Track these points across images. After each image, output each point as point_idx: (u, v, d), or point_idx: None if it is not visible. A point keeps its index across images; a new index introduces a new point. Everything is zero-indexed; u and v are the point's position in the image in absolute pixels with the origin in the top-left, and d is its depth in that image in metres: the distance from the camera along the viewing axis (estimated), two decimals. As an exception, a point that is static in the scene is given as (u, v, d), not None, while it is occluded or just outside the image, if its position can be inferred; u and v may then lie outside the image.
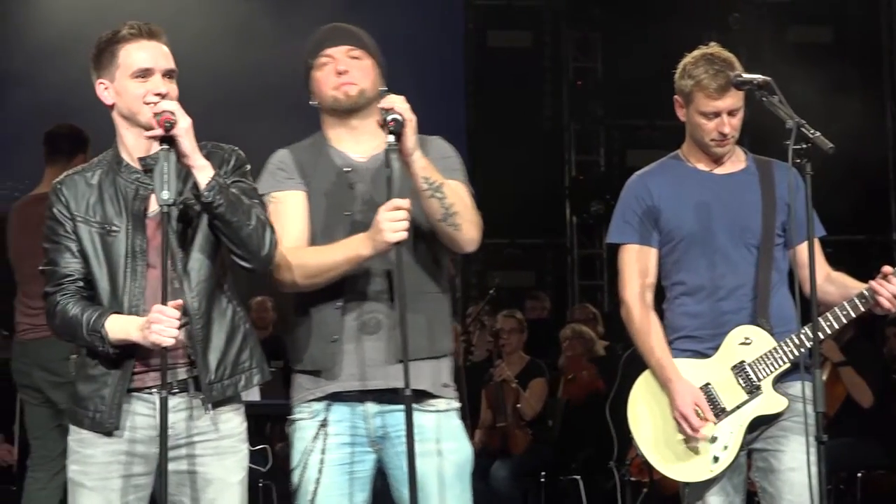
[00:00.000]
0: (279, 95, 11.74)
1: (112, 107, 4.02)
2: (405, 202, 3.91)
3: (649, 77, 12.39)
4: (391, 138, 3.93)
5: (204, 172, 3.83)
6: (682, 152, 4.69)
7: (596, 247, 13.83)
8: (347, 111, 4.20)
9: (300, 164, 4.24)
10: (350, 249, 4.02)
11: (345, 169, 4.20)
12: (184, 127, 3.80)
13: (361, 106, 4.19)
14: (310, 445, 4.13)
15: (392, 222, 3.89)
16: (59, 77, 11.31)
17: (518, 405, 9.27)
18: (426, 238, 4.17)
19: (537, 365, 9.58)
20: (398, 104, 3.98)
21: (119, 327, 3.86)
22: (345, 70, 4.15)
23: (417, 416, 4.06)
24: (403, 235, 3.90)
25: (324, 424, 4.13)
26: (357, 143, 4.24)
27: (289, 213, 4.19)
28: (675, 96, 4.61)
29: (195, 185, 3.85)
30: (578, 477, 9.15)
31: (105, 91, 4.01)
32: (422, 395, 4.11)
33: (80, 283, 3.98)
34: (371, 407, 4.13)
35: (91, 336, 3.88)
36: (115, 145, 4.06)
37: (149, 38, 3.99)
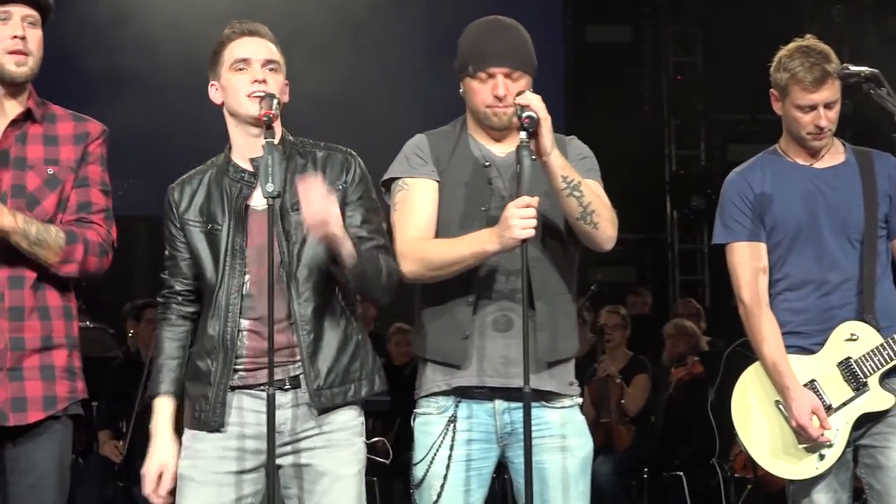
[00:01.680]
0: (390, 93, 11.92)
1: (222, 105, 4.10)
2: (534, 199, 3.91)
3: (750, 71, 12.33)
4: (523, 135, 3.94)
5: (345, 251, 3.89)
6: (779, 147, 4.65)
7: (697, 242, 13.75)
8: (493, 127, 4.19)
9: (436, 152, 4.23)
10: (476, 244, 4.02)
11: (484, 163, 4.19)
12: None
13: (510, 125, 4.16)
14: (437, 441, 4.15)
15: (521, 219, 3.89)
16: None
17: (622, 401, 9.25)
18: (561, 238, 4.18)
19: (640, 361, 9.55)
20: (534, 102, 3.99)
21: (163, 413, 4.08)
22: (504, 95, 4.11)
23: (544, 413, 4.13)
24: (531, 233, 3.90)
25: (452, 420, 4.15)
26: (497, 143, 4.23)
27: (418, 201, 4.19)
28: (771, 90, 4.58)
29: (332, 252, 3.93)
30: (681, 473, 9.11)
31: (215, 91, 4.11)
32: (549, 393, 4.14)
33: (182, 300, 4.14)
34: (500, 404, 4.14)
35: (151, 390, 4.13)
36: (227, 145, 4.15)
37: (250, 35, 4.09)
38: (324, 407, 4.00)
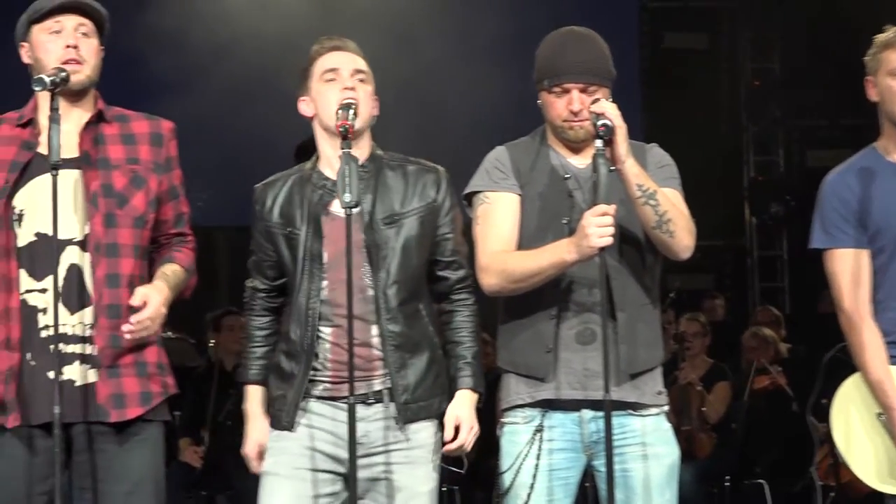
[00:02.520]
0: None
1: (313, 119, 4.15)
2: (611, 208, 3.91)
3: (829, 76, 12.27)
4: (599, 143, 3.94)
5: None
6: (878, 146, 4.50)
7: (776, 248, 13.64)
8: (571, 140, 4.19)
9: (517, 165, 4.23)
10: (555, 255, 4.02)
11: (564, 176, 4.19)
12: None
13: (588, 138, 4.14)
14: (524, 450, 4.15)
15: (598, 227, 3.89)
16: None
17: (702, 409, 9.20)
18: (641, 247, 4.17)
19: (721, 368, 9.49)
20: (609, 111, 3.99)
21: (254, 398, 4.26)
22: (579, 109, 4.11)
23: (630, 421, 4.13)
24: (609, 241, 3.90)
25: (538, 430, 4.15)
26: (575, 155, 4.22)
27: (499, 215, 4.19)
28: (867, 77, 4.45)
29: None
30: (763, 481, 9.05)
31: (305, 105, 4.17)
32: (635, 403, 4.14)
33: (266, 296, 4.25)
34: (586, 413, 4.13)
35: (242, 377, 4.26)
36: (315, 155, 4.20)
37: (337, 50, 4.16)
38: (409, 419, 4.05)
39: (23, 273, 3.97)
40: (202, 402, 8.46)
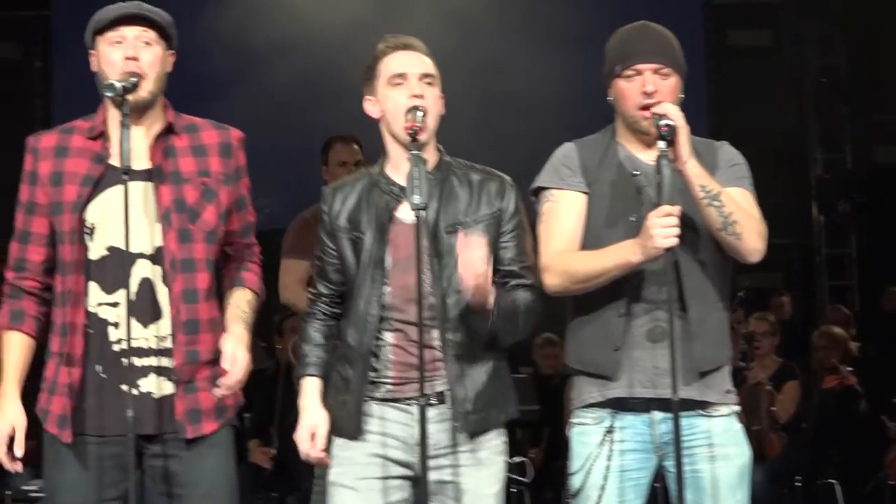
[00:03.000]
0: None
1: (379, 120, 4.13)
2: (676, 208, 3.89)
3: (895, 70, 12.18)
4: (662, 144, 3.92)
5: (488, 303, 3.92)
6: None
7: (845, 246, 13.54)
8: (644, 132, 4.15)
9: (585, 162, 4.20)
10: (620, 255, 4.00)
11: (633, 172, 4.16)
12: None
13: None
14: (594, 451, 4.12)
15: (663, 228, 3.87)
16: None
17: (772, 408, 9.15)
18: (712, 245, 4.12)
19: (790, 367, 9.44)
20: (672, 111, 3.98)
21: (310, 389, 4.16)
22: (652, 91, 4.08)
23: (700, 422, 4.10)
24: (674, 241, 3.88)
25: (609, 431, 4.12)
26: (647, 150, 4.17)
27: (564, 213, 4.18)
28: None
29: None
30: (834, 481, 8.99)
31: (371, 106, 4.13)
32: (705, 402, 4.12)
33: (328, 301, 4.20)
34: (656, 414, 4.11)
35: (299, 372, 4.19)
36: (382, 156, 4.18)
37: (404, 49, 4.10)
38: (472, 431, 4.03)
39: (94, 286, 3.98)
40: (271, 405, 8.51)
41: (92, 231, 3.98)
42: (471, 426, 4.01)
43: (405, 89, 4.04)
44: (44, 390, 4.05)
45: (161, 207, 3.98)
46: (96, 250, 3.98)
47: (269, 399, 8.55)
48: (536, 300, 4.10)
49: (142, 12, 4.03)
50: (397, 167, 4.10)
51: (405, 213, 4.05)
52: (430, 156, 4.08)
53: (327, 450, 4.11)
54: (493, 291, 3.89)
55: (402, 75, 4.06)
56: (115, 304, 3.95)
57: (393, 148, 4.12)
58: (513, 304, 4.02)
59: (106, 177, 3.98)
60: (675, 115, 3.97)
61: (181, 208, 3.99)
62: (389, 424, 4.05)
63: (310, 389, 4.14)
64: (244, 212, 4.16)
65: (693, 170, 3.99)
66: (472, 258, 3.81)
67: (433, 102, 4.05)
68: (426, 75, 4.07)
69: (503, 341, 4.09)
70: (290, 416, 8.25)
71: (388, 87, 4.07)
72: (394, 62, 4.09)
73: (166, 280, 3.98)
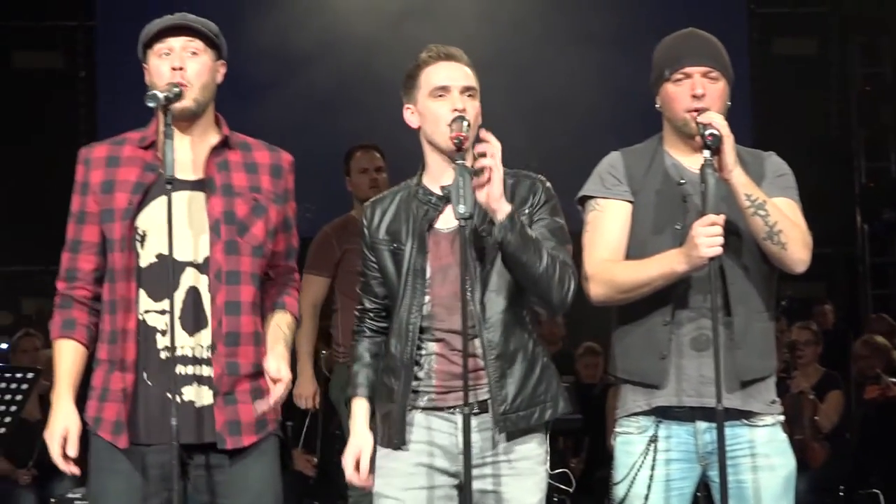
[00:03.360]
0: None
1: (419, 130, 4.14)
2: (720, 218, 3.89)
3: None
4: (707, 153, 3.92)
5: (500, 211, 3.86)
6: None
7: (889, 255, 13.47)
8: (693, 136, 4.13)
9: (630, 171, 4.21)
10: (665, 265, 4.01)
11: (679, 181, 4.16)
12: (498, 168, 3.83)
13: None
14: (638, 461, 4.12)
15: (707, 237, 3.87)
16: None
17: (815, 418, 9.12)
18: (757, 254, 4.11)
19: (833, 377, 9.40)
20: (716, 120, 3.97)
21: (359, 411, 4.19)
22: (701, 94, 4.09)
23: (745, 431, 4.10)
24: (718, 251, 3.87)
25: (653, 440, 4.12)
26: (694, 154, 4.15)
27: (608, 223, 4.18)
28: None
29: (489, 220, 3.90)
30: (878, 491, 8.94)
31: (411, 115, 4.14)
32: (749, 412, 4.11)
33: (374, 316, 4.21)
34: (700, 423, 4.10)
35: (349, 393, 4.20)
36: (420, 167, 4.19)
37: (447, 60, 4.10)
38: (509, 431, 4.02)
39: (143, 294, 4.01)
40: (315, 413, 8.53)
41: (143, 238, 4.01)
42: (507, 425, 4.00)
43: (447, 102, 4.04)
44: (92, 398, 4.09)
45: (211, 218, 4.01)
46: (146, 257, 4.01)
47: (313, 407, 8.56)
48: (565, 263, 3.99)
49: (186, 23, 4.06)
50: (435, 177, 4.11)
51: (444, 223, 4.07)
52: (467, 162, 4.06)
53: (372, 461, 4.13)
54: (505, 202, 3.86)
55: (444, 88, 4.06)
56: (162, 312, 3.98)
57: (432, 157, 4.12)
58: (529, 232, 3.95)
59: (157, 185, 4.01)
60: (720, 125, 3.97)
61: (231, 220, 4.01)
62: (434, 433, 4.06)
63: (358, 412, 4.18)
64: (289, 234, 4.19)
65: (738, 178, 3.99)
66: (491, 147, 3.83)
67: (474, 116, 4.05)
68: (468, 88, 4.07)
69: (538, 289, 3.96)
70: (332, 423, 8.29)
71: (430, 99, 4.07)
72: (436, 74, 4.08)
73: (211, 290, 4.01)
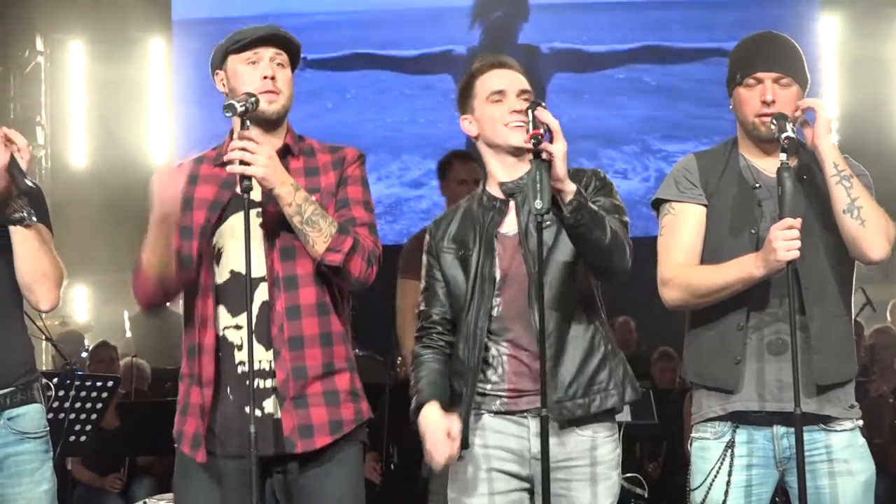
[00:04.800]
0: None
1: (477, 138, 4.16)
2: (797, 221, 3.88)
3: None
4: (783, 156, 3.92)
5: (566, 191, 3.84)
6: None
7: (971, 256, 13.29)
8: (763, 139, 4.14)
9: (705, 174, 4.21)
10: (742, 270, 3.99)
11: (754, 185, 4.15)
12: (560, 150, 3.81)
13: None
14: (715, 466, 4.11)
15: (785, 241, 3.86)
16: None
17: (895, 421, 9.04)
18: (834, 258, 4.10)
19: (913, 380, 9.32)
20: (790, 123, 3.98)
21: (430, 413, 4.02)
22: (772, 101, 4.08)
23: (823, 436, 4.08)
24: (796, 254, 3.86)
25: (729, 446, 4.10)
26: (767, 158, 4.16)
27: (683, 227, 4.18)
28: None
29: (556, 206, 3.87)
30: (960, 495, 8.84)
31: (469, 124, 4.17)
32: (827, 417, 4.08)
33: (441, 329, 4.20)
34: (778, 428, 4.08)
35: (417, 401, 4.11)
36: (483, 176, 4.22)
37: (500, 67, 4.15)
38: (562, 420, 4.00)
39: (221, 310, 4.05)
40: (391, 419, 8.56)
41: (219, 256, 4.05)
42: (563, 413, 3.99)
43: (505, 105, 4.07)
44: (178, 412, 4.14)
45: (267, 227, 4.03)
46: (222, 274, 4.05)
47: (388, 413, 8.59)
48: (624, 233, 3.96)
49: (280, 34, 4.13)
50: (497, 181, 4.14)
51: (507, 227, 4.09)
52: (525, 162, 4.08)
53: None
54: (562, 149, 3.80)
55: (501, 92, 4.10)
56: (238, 327, 4.01)
57: (493, 162, 4.15)
58: (593, 207, 3.91)
59: (233, 202, 4.05)
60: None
61: (286, 226, 4.01)
62: (505, 438, 4.07)
63: (430, 414, 4.05)
64: (345, 209, 4.10)
65: (828, 148, 4.00)
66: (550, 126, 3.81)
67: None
68: (524, 91, 4.11)
69: (586, 248, 3.92)
70: (402, 430, 8.32)
71: (488, 104, 4.10)
72: (491, 80, 4.12)
73: (272, 298, 4.03)
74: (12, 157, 4.15)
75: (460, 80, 4.23)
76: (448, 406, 4.08)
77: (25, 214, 4.23)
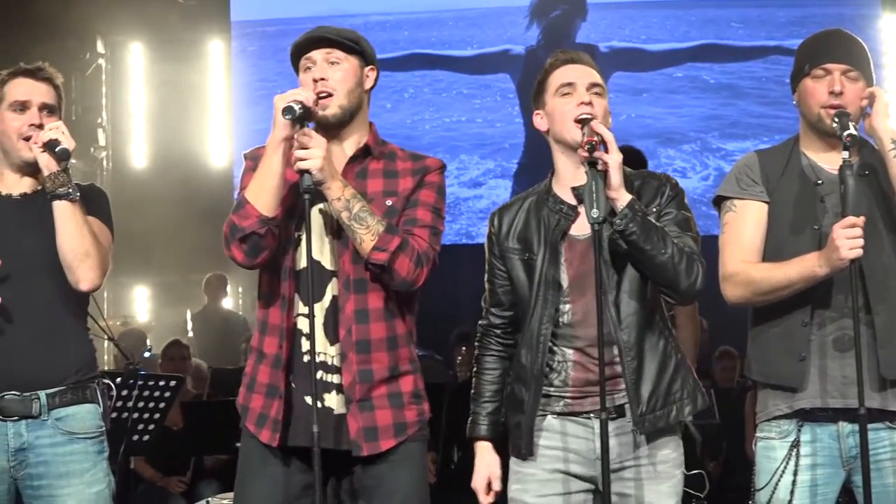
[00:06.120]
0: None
1: (547, 132, 4.15)
2: (860, 219, 3.86)
3: None
4: (845, 154, 3.91)
5: (620, 200, 3.86)
6: None
7: None
8: (827, 133, 4.12)
9: (766, 172, 4.19)
10: (805, 268, 3.97)
11: (816, 182, 4.13)
12: (615, 161, 3.83)
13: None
14: (780, 466, 4.08)
15: (848, 239, 3.84)
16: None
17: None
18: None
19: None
20: (852, 122, 3.97)
21: (483, 453, 4.20)
22: (840, 91, 4.06)
23: (891, 434, 4.06)
24: (859, 252, 3.84)
25: (795, 445, 4.08)
26: (829, 154, 4.14)
27: (745, 224, 4.17)
28: None
29: (613, 212, 3.88)
30: None
31: (540, 119, 4.15)
32: (894, 413, 4.05)
33: (500, 332, 4.22)
34: (844, 426, 4.05)
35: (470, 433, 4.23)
36: (551, 172, 4.20)
37: (572, 62, 4.13)
38: (647, 432, 4.00)
39: (296, 296, 4.07)
40: (452, 419, 8.56)
41: (298, 243, 4.05)
42: (646, 426, 3.98)
43: (573, 98, 4.05)
44: (243, 385, 4.17)
45: (341, 224, 4.03)
46: (300, 261, 4.05)
47: (449, 413, 8.59)
48: (691, 251, 3.96)
49: (322, 34, 4.12)
50: (565, 182, 4.12)
51: (578, 230, 4.07)
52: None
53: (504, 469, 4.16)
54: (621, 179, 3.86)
55: (570, 84, 4.08)
56: (307, 316, 4.00)
57: (561, 160, 4.13)
58: (651, 220, 3.93)
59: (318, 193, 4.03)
60: (872, 89, 4.03)
61: None
62: (569, 439, 4.06)
63: (483, 454, 4.20)
64: (412, 209, 4.10)
65: (884, 125, 3.99)
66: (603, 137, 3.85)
67: (602, 113, 4.04)
68: (594, 85, 4.09)
69: (642, 261, 3.93)
70: (463, 429, 8.34)
71: (556, 97, 4.09)
72: (562, 74, 4.11)
73: (341, 299, 4.05)
74: (51, 138, 4.24)
75: (537, 77, 4.21)
76: (514, 410, 4.11)
77: (70, 190, 4.25)
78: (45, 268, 4.29)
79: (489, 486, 4.17)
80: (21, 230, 4.31)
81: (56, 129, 4.28)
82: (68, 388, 4.34)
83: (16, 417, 4.29)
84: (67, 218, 4.26)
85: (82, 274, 4.28)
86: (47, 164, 4.25)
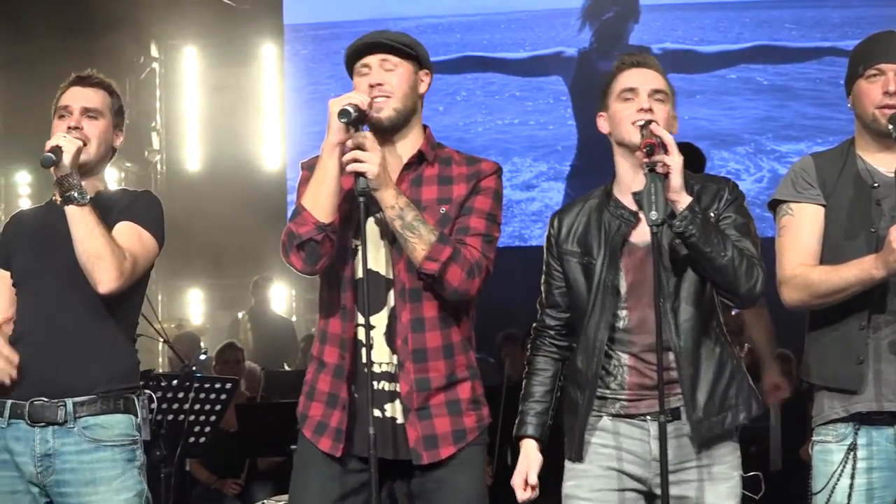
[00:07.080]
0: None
1: (610, 135, 4.13)
2: None
3: None
4: None
5: (681, 202, 3.84)
6: None
7: None
8: (883, 134, 4.08)
9: (822, 175, 4.16)
10: (862, 271, 3.94)
11: (872, 185, 4.10)
12: (676, 163, 3.82)
13: None
14: (837, 470, 4.05)
15: None
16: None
17: None
18: None
19: None
20: None
21: (528, 452, 4.18)
22: (894, 91, 4.03)
23: None
24: None
25: (851, 448, 4.05)
26: (885, 156, 4.11)
27: (802, 227, 4.14)
28: None
29: (672, 215, 3.87)
30: None
31: (603, 122, 4.14)
32: None
33: (554, 334, 4.21)
34: None
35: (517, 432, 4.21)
36: (612, 176, 4.17)
37: (638, 66, 4.11)
38: (703, 438, 3.99)
39: (356, 306, 4.07)
40: (504, 421, 8.55)
41: (355, 252, 4.06)
42: (702, 432, 3.97)
43: (634, 103, 4.04)
44: (303, 393, 4.18)
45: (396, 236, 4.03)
46: (358, 271, 4.05)
47: (499, 415, 8.59)
48: (752, 255, 3.94)
49: (377, 40, 4.13)
50: (626, 187, 4.10)
51: (638, 237, 4.05)
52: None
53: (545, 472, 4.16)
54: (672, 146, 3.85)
55: (632, 90, 4.06)
56: (367, 326, 4.01)
57: (622, 164, 4.11)
58: (712, 223, 3.92)
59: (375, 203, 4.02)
60: None
61: None
62: (622, 439, 4.05)
63: (528, 452, 4.18)
64: (465, 217, 4.09)
65: None
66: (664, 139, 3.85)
67: (664, 119, 4.02)
68: (657, 91, 4.06)
69: (702, 263, 3.91)
70: (512, 431, 8.32)
71: (618, 101, 4.07)
72: (626, 78, 4.09)
73: (397, 309, 4.05)
74: (52, 145, 4.22)
75: (604, 80, 4.20)
76: (569, 412, 4.11)
77: (76, 194, 4.23)
78: (84, 276, 4.27)
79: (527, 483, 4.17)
80: (67, 237, 4.30)
81: (57, 136, 4.28)
82: (98, 396, 4.30)
83: (43, 423, 4.27)
84: (77, 222, 4.24)
85: (97, 276, 4.24)
86: (53, 169, 4.24)
